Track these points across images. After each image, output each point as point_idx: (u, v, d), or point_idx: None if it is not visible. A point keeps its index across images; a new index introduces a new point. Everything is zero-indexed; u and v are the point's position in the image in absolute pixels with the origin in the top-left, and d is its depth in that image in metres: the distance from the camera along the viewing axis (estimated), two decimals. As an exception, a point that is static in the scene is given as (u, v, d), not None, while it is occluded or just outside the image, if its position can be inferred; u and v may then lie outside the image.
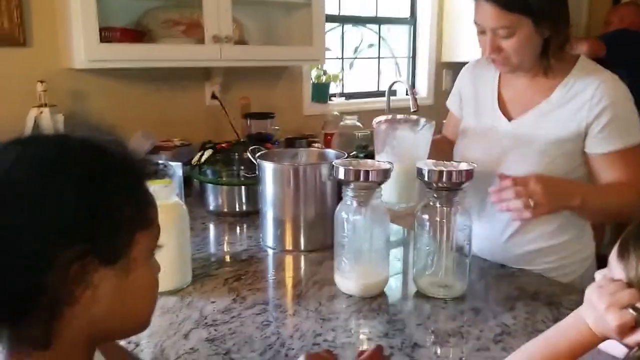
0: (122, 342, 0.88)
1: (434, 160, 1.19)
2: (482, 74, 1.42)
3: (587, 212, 1.24)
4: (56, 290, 0.52)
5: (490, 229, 1.34)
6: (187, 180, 1.77)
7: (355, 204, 1.16)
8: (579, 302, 0.74)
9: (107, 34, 1.89)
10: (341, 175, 1.15)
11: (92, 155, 0.57)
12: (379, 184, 1.15)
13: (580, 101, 1.22)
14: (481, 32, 1.24)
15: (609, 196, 1.23)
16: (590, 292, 0.71)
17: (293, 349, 0.97)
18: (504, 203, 1.12)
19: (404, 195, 1.30)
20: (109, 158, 0.58)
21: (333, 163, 1.19)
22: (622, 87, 1.24)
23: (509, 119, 1.32)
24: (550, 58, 1.24)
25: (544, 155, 1.24)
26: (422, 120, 1.30)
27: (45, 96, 1.82)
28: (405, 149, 1.23)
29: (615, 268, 0.72)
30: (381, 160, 1.17)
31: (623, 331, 0.67)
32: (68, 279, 0.52)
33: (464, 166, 1.14)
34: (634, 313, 0.66)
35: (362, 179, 1.13)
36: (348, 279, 1.18)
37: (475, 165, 1.14)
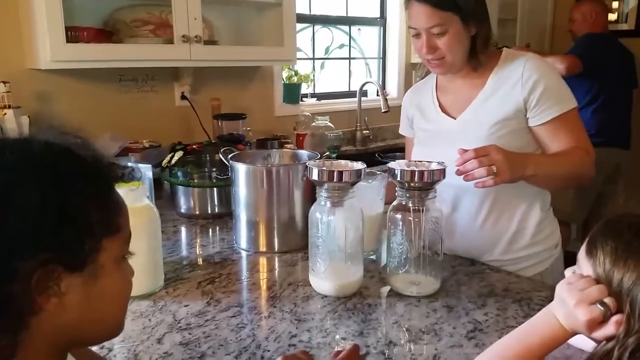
0: (95, 348, 0.86)
1: (406, 161, 1.21)
2: (421, 91, 1.54)
3: (540, 180, 1.31)
4: (20, 301, 0.51)
5: (464, 219, 1.39)
6: (157, 183, 1.74)
7: (329, 204, 1.17)
8: (548, 298, 0.77)
9: (74, 34, 1.86)
10: (315, 176, 1.15)
11: (56, 161, 0.55)
12: (352, 184, 1.16)
13: (513, 81, 1.32)
14: (416, 35, 1.33)
15: (558, 161, 1.31)
16: (560, 289, 0.74)
17: (269, 350, 0.96)
18: (469, 174, 1.17)
19: (367, 242, 1.33)
20: (74, 163, 0.56)
21: (307, 164, 1.19)
22: (546, 63, 1.39)
23: (454, 118, 1.41)
24: (478, 54, 1.35)
25: (492, 136, 1.32)
26: (378, 173, 1.42)
27: (8, 97, 1.78)
28: (363, 201, 1.28)
29: (584, 265, 0.74)
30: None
31: (592, 326, 0.69)
32: (31, 289, 0.51)
33: (434, 166, 1.15)
34: (602, 308, 0.68)
35: (335, 179, 1.13)
36: (323, 280, 1.18)
37: (447, 165, 1.16)
